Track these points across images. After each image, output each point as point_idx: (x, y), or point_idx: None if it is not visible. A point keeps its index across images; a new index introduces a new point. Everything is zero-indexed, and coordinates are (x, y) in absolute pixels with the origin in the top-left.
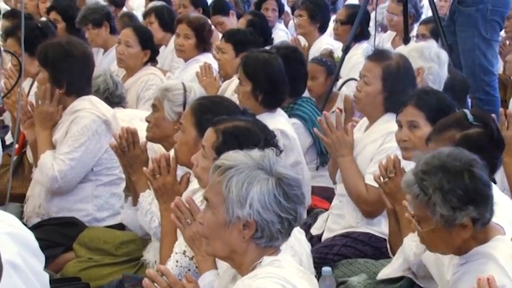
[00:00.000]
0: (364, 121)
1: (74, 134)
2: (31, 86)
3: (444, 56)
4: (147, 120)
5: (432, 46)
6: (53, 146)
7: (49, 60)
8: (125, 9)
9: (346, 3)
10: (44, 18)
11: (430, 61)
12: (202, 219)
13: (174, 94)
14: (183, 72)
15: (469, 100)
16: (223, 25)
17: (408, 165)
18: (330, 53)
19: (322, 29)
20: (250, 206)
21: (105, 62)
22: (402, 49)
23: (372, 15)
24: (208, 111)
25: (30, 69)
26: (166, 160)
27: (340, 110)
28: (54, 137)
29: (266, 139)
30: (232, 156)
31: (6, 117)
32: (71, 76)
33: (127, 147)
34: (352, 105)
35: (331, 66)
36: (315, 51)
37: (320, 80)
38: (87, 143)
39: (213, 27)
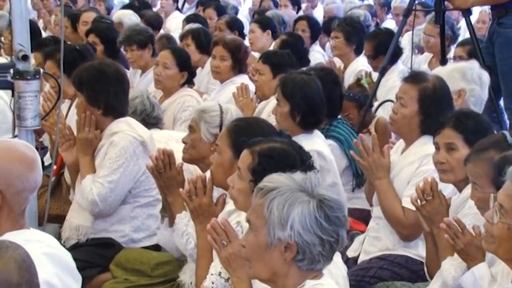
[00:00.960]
0: (401, 143)
1: (112, 156)
2: (69, 108)
3: (486, 77)
4: (183, 142)
5: (474, 67)
6: (94, 171)
7: (84, 83)
8: (162, 31)
9: (382, 25)
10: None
11: (472, 83)
12: (244, 241)
13: (210, 115)
14: (219, 94)
15: (507, 121)
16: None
17: (445, 188)
18: (358, 81)
19: (358, 51)
20: (291, 228)
21: (143, 83)
22: (443, 69)
23: (409, 36)
24: (244, 132)
25: (68, 91)
26: (202, 181)
27: (370, 132)
28: (96, 161)
29: (302, 160)
30: (275, 179)
31: (46, 138)
32: (107, 95)
33: (163, 169)
34: (384, 128)
35: (361, 98)
36: (350, 72)
37: (352, 116)
38: (125, 164)
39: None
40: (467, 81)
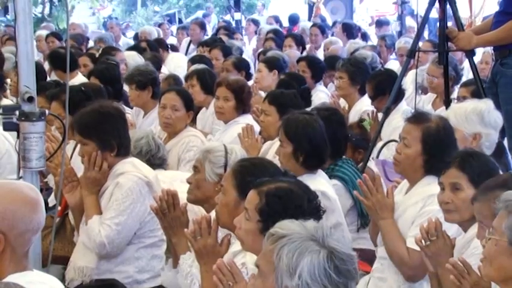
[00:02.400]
0: (405, 183)
1: (118, 197)
2: (74, 148)
3: (500, 120)
4: (188, 182)
5: (491, 109)
6: (100, 211)
7: (91, 129)
8: (163, 70)
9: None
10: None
11: (489, 127)
12: (252, 286)
13: (215, 156)
14: (224, 134)
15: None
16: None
17: (450, 228)
18: (360, 122)
19: (363, 91)
20: (299, 277)
21: (146, 124)
22: (459, 109)
23: (412, 75)
24: (250, 173)
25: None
26: (207, 222)
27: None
28: (101, 203)
29: (309, 199)
30: (286, 225)
31: (50, 179)
32: (119, 136)
33: (167, 209)
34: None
35: (358, 141)
36: (355, 112)
37: (351, 156)
38: (131, 206)
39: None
40: (485, 125)
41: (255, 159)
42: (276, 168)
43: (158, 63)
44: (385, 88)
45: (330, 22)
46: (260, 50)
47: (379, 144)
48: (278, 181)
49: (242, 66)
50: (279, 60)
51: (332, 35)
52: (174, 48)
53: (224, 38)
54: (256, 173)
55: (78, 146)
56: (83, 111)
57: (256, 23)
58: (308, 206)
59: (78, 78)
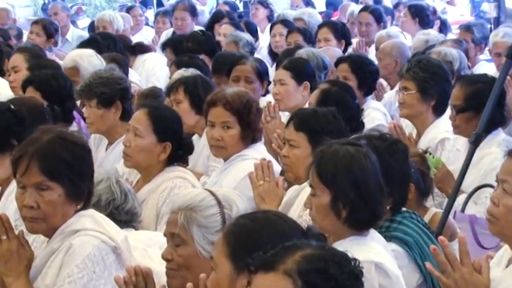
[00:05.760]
0: (505, 252)
1: (72, 271)
2: (0, 194)
3: None
4: (166, 259)
5: None
6: None
7: (64, 167)
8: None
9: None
10: None
11: None
12: None
13: (205, 215)
14: (224, 175)
15: None
16: None
17: None
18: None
19: (440, 109)
20: None
21: (110, 160)
22: None
23: None
24: (250, 235)
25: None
26: None
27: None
28: (46, 280)
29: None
30: None
31: None
32: (90, 178)
33: None
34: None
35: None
36: (427, 142)
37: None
38: (92, 283)
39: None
40: None
41: (257, 213)
42: (291, 226)
43: (126, 67)
44: (479, 104)
45: (390, 4)
46: (285, 49)
47: (463, 194)
48: (297, 247)
49: (264, 73)
50: (309, 65)
51: (393, 23)
52: (145, 50)
53: (227, 29)
54: (260, 234)
55: (12, 188)
56: (40, 141)
57: (265, 4)
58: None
59: (3, 90)
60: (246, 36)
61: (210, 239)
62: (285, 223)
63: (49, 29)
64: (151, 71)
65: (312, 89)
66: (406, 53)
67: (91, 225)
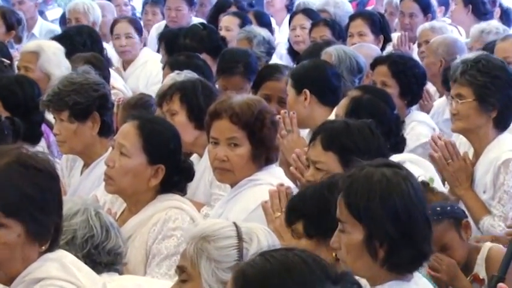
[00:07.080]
0: None
1: None
2: None
3: None
4: None
5: None
6: None
7: (23, 201)
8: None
9: None
10: None
11: None
12: None
13: (220, 246)
14: (230, 205)
15: None
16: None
17: None
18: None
19: (503, 122)
20: None
21: (87, 186)
22: None
23: None
24: (257, 284)
25: None
26: None
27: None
28: None
29: None
30: None
31: None
32: (58, 215)
33: None
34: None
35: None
36: (487, 163)
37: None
38: None
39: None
40: None
41: (278, 252)
42: (312, 271)
43: (106, 69)
44: None
45: None
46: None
47: None
48: None
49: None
50: (312, 68)
51: (445, 14)
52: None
53: (230, 21)
54: (270, 280)
55: None
56: None
57: None
58: None
59: None
60: (263, 32)
61: (220, 277)
62: (306, 267)
63: (9, 19)
64: (156, 77)
65: (334, 98)
66: (458, 52)
67: (57, 273)
